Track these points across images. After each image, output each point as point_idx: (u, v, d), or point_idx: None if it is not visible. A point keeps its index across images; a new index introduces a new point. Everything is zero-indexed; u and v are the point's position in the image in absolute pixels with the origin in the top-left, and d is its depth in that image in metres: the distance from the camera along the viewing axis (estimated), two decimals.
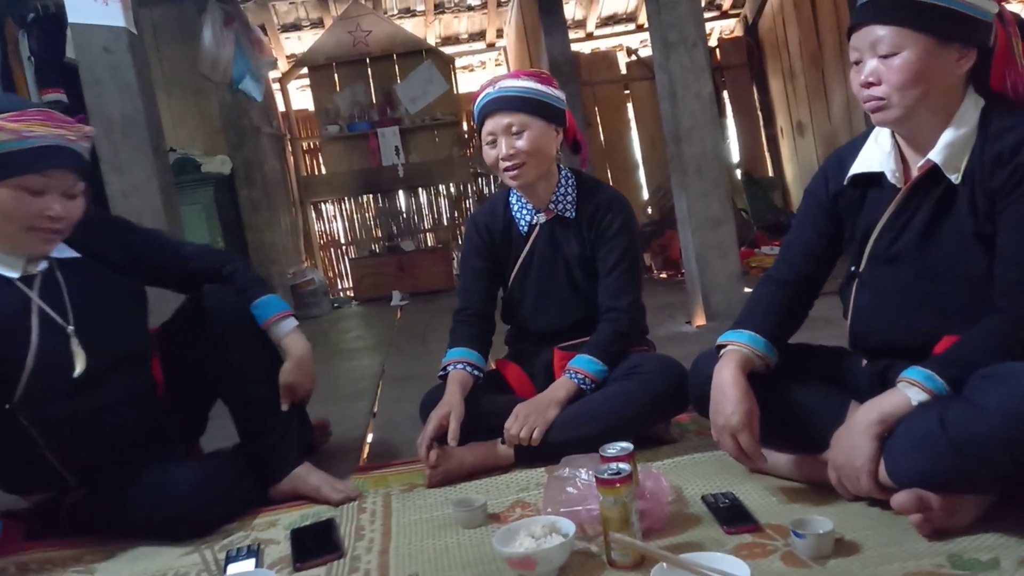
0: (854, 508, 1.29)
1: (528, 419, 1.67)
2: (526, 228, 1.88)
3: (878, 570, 1.09)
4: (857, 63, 1.28)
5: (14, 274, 1.51)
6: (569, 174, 1.87)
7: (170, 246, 1.79)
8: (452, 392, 1.72)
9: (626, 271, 1.80)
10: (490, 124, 1.77)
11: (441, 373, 1.81)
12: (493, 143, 1.77)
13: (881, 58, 1.24)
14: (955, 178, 1.25)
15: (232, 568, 1.34)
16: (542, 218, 1.87)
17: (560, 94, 1.83)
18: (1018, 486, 1.15)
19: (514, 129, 1.74)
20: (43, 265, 1.55)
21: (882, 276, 1.36)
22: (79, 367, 1.50)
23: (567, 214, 1.84)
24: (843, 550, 1.16)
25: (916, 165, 1.30)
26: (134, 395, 1.61)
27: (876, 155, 1.36)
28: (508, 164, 1.76)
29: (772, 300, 1.48)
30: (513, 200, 1.90)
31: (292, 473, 1.67)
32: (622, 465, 1.23)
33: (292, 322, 1.75)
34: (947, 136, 1.25)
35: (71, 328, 1.53)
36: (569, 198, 1.85)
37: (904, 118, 1.26)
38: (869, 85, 1.26)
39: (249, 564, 1.36)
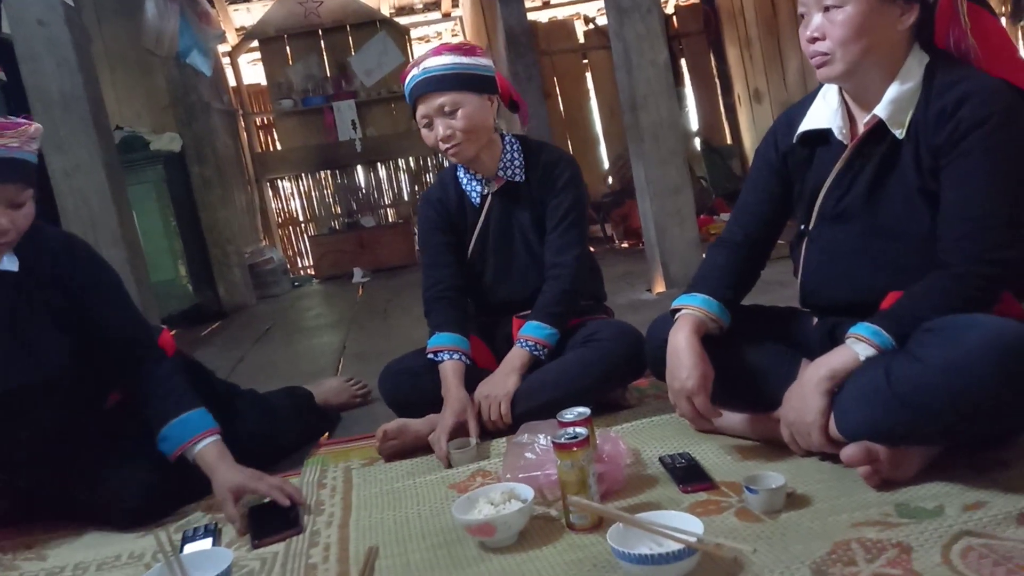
0: (805, 463, 1.32)
1: (488, 400, 1.67)
2: (478, 199, 1.86)
3: (828, 521, 1.12)
4: (803, 16, 1.29)
5: None
6: (513, 139, 1.86)
7: (113, 308, 1.58)
8: (457, 388, 1.69)
9: (572, 225, 1.80)
10: (423, 107, 1.73)
11: (431, 358, 1.77)
12: (429, 125, 1.74)
13: (825, 12, 1.24)
14: (899, 133, 1.27)
15: (189, 548, 1.32)
16: (493, 187, 1.85)
17: (487, 61, 1.79)
18: (961, 437, 1.18)
19: (447, 108, 1.71)
20: None
21: (830, 234, 1.38)
22: None
23: (516, 178, 1.83)
24: (794, 504, 1.18)
25: (862, 121, 1.32)
26: (64, 415, 1.52)
27: (824, 112, 1.37)
28: (447, 145, 1.73)
29: (725, 263, 1.50)
30: (461, 174, 1.88)
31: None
32: (579, 429, 1.23)
33: (207, 441, 1.49)
34: (892, 91, 1.27)
35: None
36: (517, 163, 1.83)
37: (848, 73, 1.27)
38: (814, 40, 1.27)
39: (206, 543, 1.35)
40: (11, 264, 1.48)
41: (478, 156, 1.80)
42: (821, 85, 1.39)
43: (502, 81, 1.83)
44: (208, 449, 1.48)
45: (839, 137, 1.35)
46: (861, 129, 1.32)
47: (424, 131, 1.77)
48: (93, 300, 1.56)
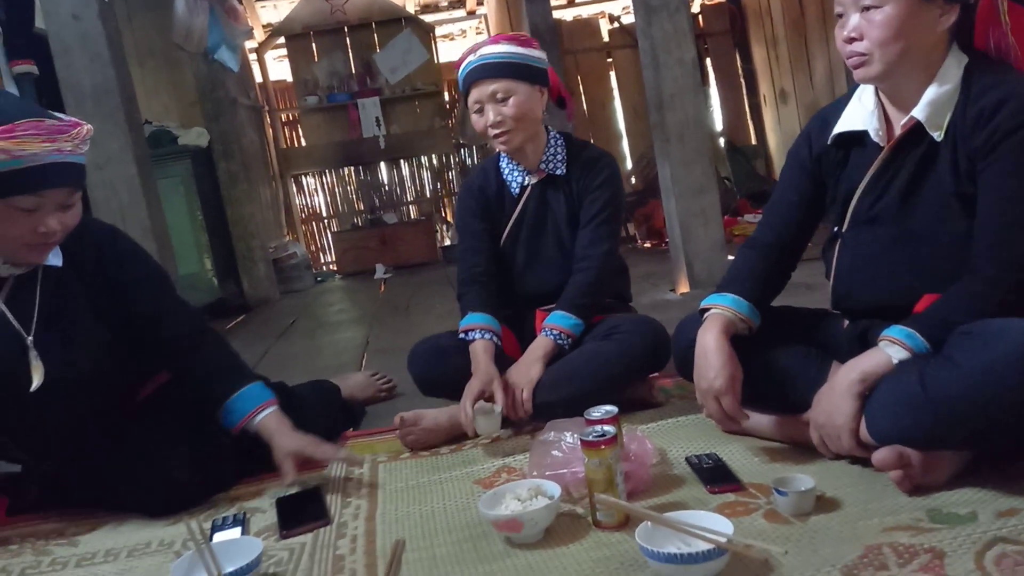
0: (835, 466, 1.30)
1: (511, 388, 1.68)
2: (518, 190, 1.88)
3: (858, 525, 1.11)
4: (840, 16, 1.27)
5: None
6: (558, 136, 1.88)
7: (158, 294, 1.63)
8: (486, 363, 1.69)
9: (604, 222, 1.81)
10: (475, 93, 1.77)
11: (462, 337, 1.79)
12: (480, 111, 1.77)
13: (863, 12, 1.23)
14: (937, 136, 1.25)
15: (218, 536, 1.34)
16: (533, 179, 1.87)
17: (541, 54, 1.82)
18: (995, 442, 1.16)
19: (499, 96, 1.74)
20: (17, 270, 1.47)
21: (864, 236, 1.36)
22: (36, 381, 1.43)
23: (558, 171, 1.85)
24: (824, 507, 1.17)
25: (899, 123, 1.30)
26: (100, 409, 1.55)
27: (859, 114, 1.36)
28: (497, 131, 1.76)
29: (755, 264, 1.48)
30: (504, 164, 1.91)
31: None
32: (607, 427, 1.23)
33: (267, 411, 1.58)
34: (930, 93, 1.25)
35: (30, 339, 1.45)
36: (559, 157, 1.86)
37: (886, 74, 1.25)
38: (851, 40, 1.25)
39: (235, 532, 1.36)
40: (56, 259, 1.50)
41: (523, 147, 1.82)
42: (855, 86, 1.38)
43: (553, 76, 1.85)
44: (269, 418, 1.56)
45: (875, 139, 1.33)
46: (898, 131, 1.30)
47: (475, 116, 1.79)
48: (142, 294, 1.59)
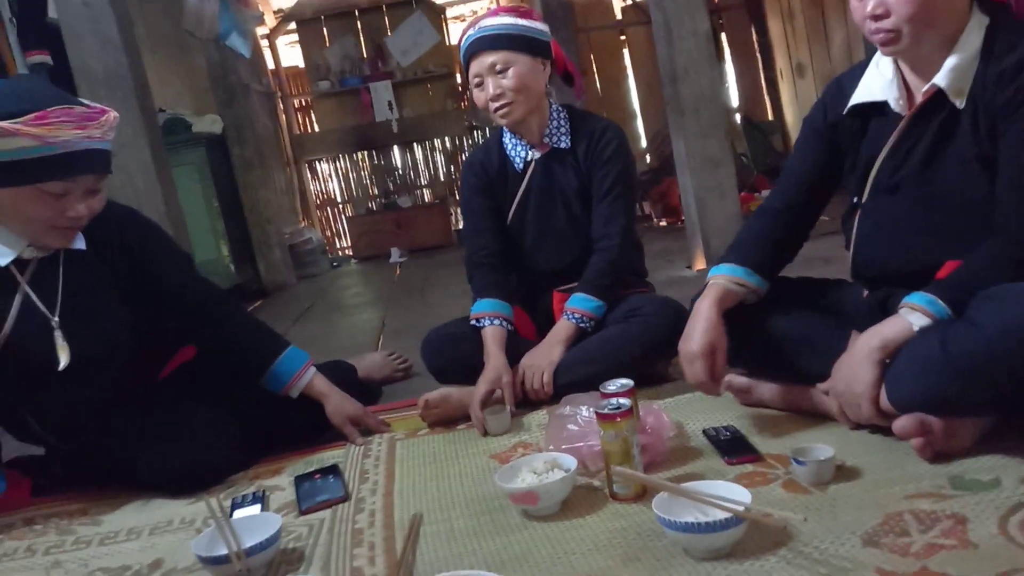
0: (854, 436, 1.29)
1: (531, 370, 1.67)
2: (521, 165, 1.86)
3: (878, 493, 1.09)
4: None
5: (8, 257, 1.46)
6: (560, 108, 1.85)
7: (182, 270, 1.68)
8: (496, 355, 1.69)
9: (618, 196, 1.79)
10: (475, 66, 1.74)
11: (474, 324, 1.78)
12: (480, 84, 1.75)
13: None
14: (959, 103, 1.22)
15: (238, 513, 1.35)
16: (536, 154, 1.84)
17: (543, 26, 1.79)
18: (1017, 407, 1.14)
19: (498, 67, 1.72)
20: (41, 253, 1.50)
21: (884, 205, 1.34)
22: (63, 361, 1.46)
23: (562, 144, 1.82)
24: (844, 476, 1.16)
25: (920, 91, 1.26)
26: (122, 389, 1.58)
27: (878, 83, 1.32)
28: (497, 104, 1.73)
29: (761, 230, 1.48)
30: (507, 139, 1.88)
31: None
32: (622, 400, 1.22)
33: (313, 370, 1.70)
34: (952, 59, 1.21)
35: (56, 320, 1.48)
36: (563, 130, 1.82)
37: (915, 48, 1.22)
38: (877, 17, 1.21)
39: (255, 509, 1.38)
40: (79, 243, 1.53)
41: (525, 120, 1.79)
42: (872, 52, 1.34)
43: (557, 50, 1.82)
44: (317, 378, 1.67)
45: (895, 108, 1.30)
46: (919, 99, 1.26)
47: (475, 90, 1.77)
48: (167, 269, 1.63)
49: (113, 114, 1.44)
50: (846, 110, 1.36)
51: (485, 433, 1.60)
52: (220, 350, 1.69)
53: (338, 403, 1.66)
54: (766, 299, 1.49)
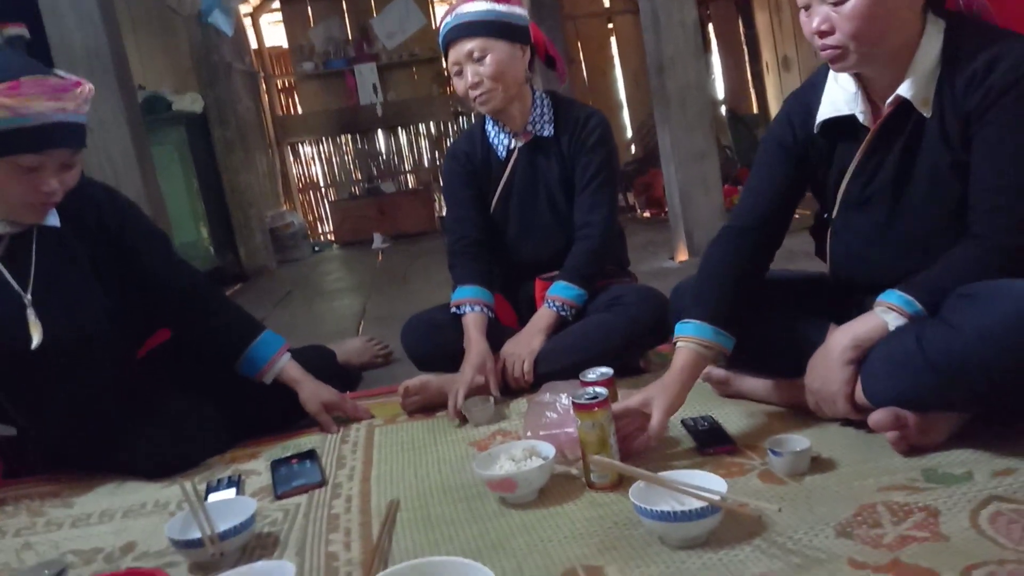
0: (830, 429, 1.30)
1: (512, 358, 1.67)
2: (504, 153, 1.84)
3: (853, 485, 1.10)
4: (807, 8, 1.19)
5: None
6: (544, 95, 1.83)
7: (160, 251, 1.66)
8: (478, 341, 1.68)
9: (602, 184, 1.78)
10: (453, 53, 1.72)
11: (455, 311, 1.78)
12: (459, 72, 1.73)
13: (833, 5, 1.14)
14: (926, 111, 1.20)
15: (213, 497, 1.34)
16: (520, 142, 1.83)
17: (522, 11, 1.76)
18: (993, 405, 1.15)
19: (476, 55, 1.69)
20: (14, 229, 1.46)
21: (857, 221, 1.32)
22: (36, 339, 1.43)
23: (545, 132, 1.80)
24: (819, 467, 1.17)
25: (884, 102, 1.24)
26: (98, 371, 1.55)
27: (842, 96, 1.29)
28: (476, 92, 1.72)
29: (730, 265, 1.37)
30: (489, 127, 1.86)
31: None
32: (599, 389, 1.22)
33: (287, 356, 1.68)
34: (914, 68, 1.19)
35: (28, 298, 1.45)
36: (546, 117, 1.81)
37: (864, 63, 1.19)
38: (823, 34, 1.17)
39: (230, 493, 1.36)
40: (54, 220, 1.50)
41: (507, 108, 1.77)
42: (824, 68, 1.33)
43: (537, 34, 1.80)
44: (291, 364, 1.66)
45: (862, 122, 1.27)
46: (885, 110, 1.24)
47: (455, 80, 1.75)
48: (145, 250, 1.61)
49: (88, 86, 1.40)
50: (816, 127, 1.32)
51: (462, 422, 1.59)
52: (196, 333, 1.67)
53: (312, 390, 1.65)
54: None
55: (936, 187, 1.22)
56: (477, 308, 1.74)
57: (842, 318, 1.35)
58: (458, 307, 1.76)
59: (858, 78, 1.27)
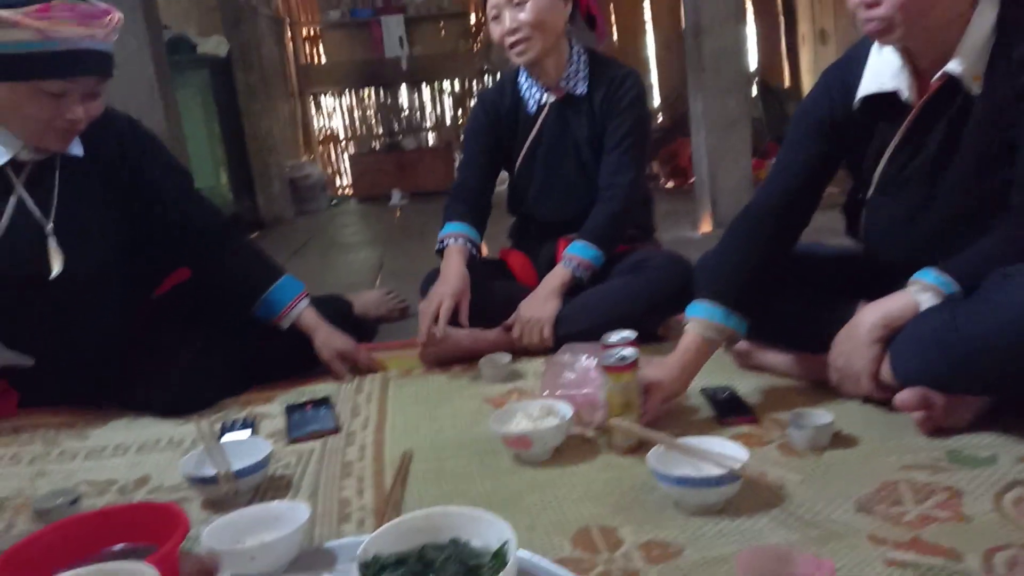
0: (852, 405, 1.28)
1: (529, 324, 1.65)
2: (535, 108, 1.80)
3: (875, 462, 1.09)
4: None
5: (2, 157, 1.41)
6: (582, 51, 1.78)
7: (181, 186, 1.65)
8: (457, 265, 1.68)
9: (631, 147, 1.74)
10: None
11: (439, 247, 1.78)
12: (497, 17, 1.69)
13: None
14: (975, 88, 1.15)
15: (227, 437, 1.34)
16: (552, 98, 1.79)
17: None
18: (1020, 387, 1.12)
19: (516, 0, 1.64)
20: (38, 156, 1.45)
21: (895, 201, 1.28)
22: (56, 269, 1.43)
23: (578, 91, 1.76)
24: (840, 443, 1.15)
25: (931, 78, 1.18)
26: (116, 301, 1.56)
27: (885, 71, 1.23)
28: (512, 39, 1.67)
29: (750, 245, 1.34)
30: (522, 79, 1.82)
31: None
32: (627, 351, 1.20)
33: (305, 303, 1.67)
34: (965, 44, 1.14)
35: (50, 227, 1.45)
36: (581, 75, 1.76)
37: (910, 37, 1.14)
38: (869, 6, 1.12)
39: (244, 434, 1.37)
40: (77, 149, 1.49)
41: (542, 61, 1.73)
42: (850, 52, 1.27)
43: None
44: (309, 311, 1.65)
45: (906, 98, 1.22)
46: (931, 86, 1.19)
47: (492, 24, 1.71)
48: (167, 184, 1.60)
49: (118, 15, 1.38)
50: (857, 103, 1.27)
51: (434, 342, 1.63)
52: (214, 272, 1.66)
53: (326, 337, 1.64)
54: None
55: (981, 169, 1.18)
56: (460, 241, 1.75)
57: (873, 296, 1.32)
58: (442, 242, 1.76)
59: (903, 52, 1.22)
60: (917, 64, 1.21)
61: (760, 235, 1.35)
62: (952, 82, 1.16)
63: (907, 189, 1.26)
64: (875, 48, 1.26)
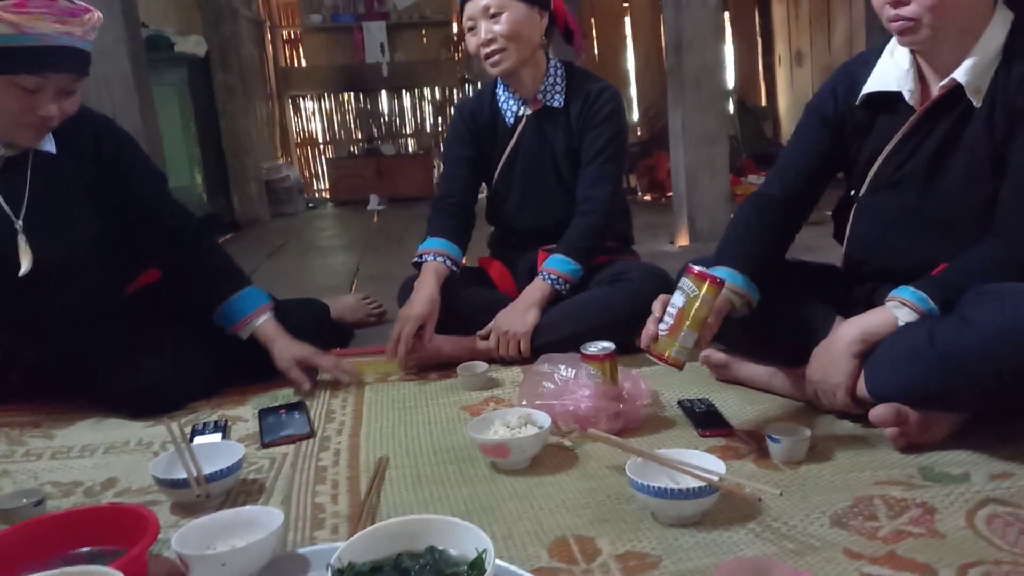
0: (827, 420, 1.29)
1: (507, 336, 1.65)
2: (512, 120, 1.80)
3: (849, 477, 1.10)
4: None
5: None
6: (559, 64, 1.79)
7: (155, 186, 1.62)
8: (428, 287, 1.67)
9: (608, 160, 1.75)
10: (469, 8, 1.69)
11: (416, 260, 1.77)
12: (473, 29, 1.69)
13: None
14: (976, 101, 1.19)
15: (199, 440, 1.31)
16: (528, 110, 1.79)
17: None
18: (998, 403, 1.15)
19: (492, 11, 1.65)
20: (9, 152, 1.43)
21: (884, 201, 1.31)
22: (24, 266, 1.41)
23: (555, 103, 1.77)
24: (816, 457, 1.16)
25: (936, 85, 1.23)
26: (87, 301, 1.53)
27: (893, 73, 1.28)
28: (487, 50, 1.67)
29: (756, 227, 1.39)
30: (500, 91, 1.82)
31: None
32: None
33: (268, 315, 1.61)
34: (973, 56, 1.18)
35: (20, 223, 1.42)
36: (558, 87, 1.77)
37: (934, 39, 1.18)
38: (897, 4, 1.16)
39: (216, 438, 1.34)
40: (49, 146, 1.47)
41: (518, 73, 1.73)
42: (884, 40, 1.31)
43: (559, 2, 1.76)
44: (267, 324, 1.59)
45: (909, 101, 1.26)
46: (935, 92, 1.23)
47: (468, 36, 1.71)
48: (140, 182, 1.57)
49: (97, 14, 1.37)
50: (859, 99, 1.31)
51: (406, 369, 1.64)
52: (181, 276, 1.63)
53: (283, 346, 1.57)
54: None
55: (971, 178, 1.21)
56: (439, 258, 1.74)
57: (849, 309, 1.34)
58: (420, 256, 1.75)
59: (914, 56, 1.25)
60: (926, 69, 1.25)
61: (766, 219, 1.40)
62: (956, 91, 1.20)
63: (898, 191, 1.29)
64: (887, 50, 1.30)
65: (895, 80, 1.27)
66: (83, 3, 1.36)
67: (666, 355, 1.17)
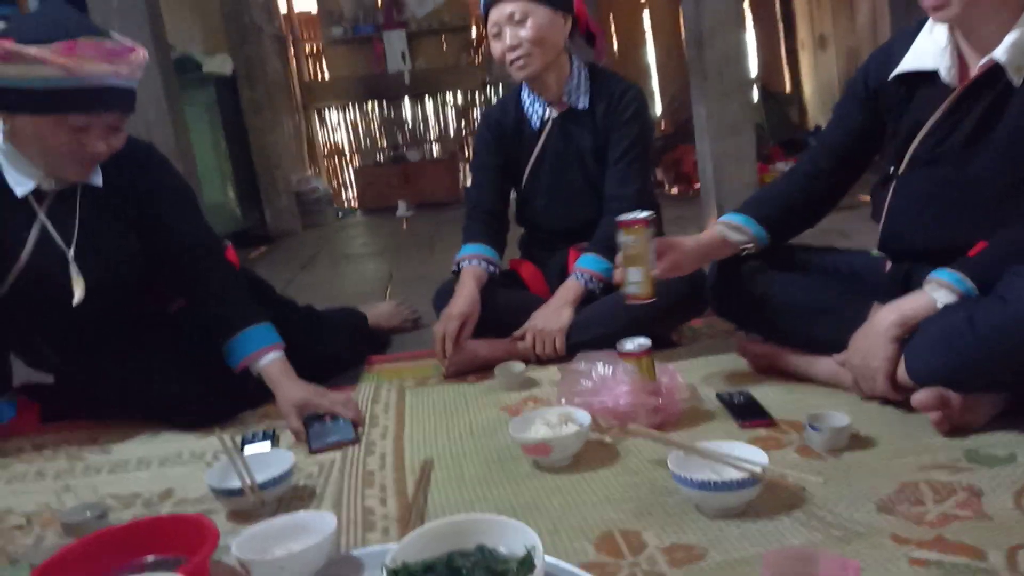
0: (868, 406, 1.29)
1: (542, 335, 1.67)
2: (538, 123, 1.82)
3: (893, 463, 1.10)
4: None
5: (26, 187, 1.44)
6: (582, 66, 1.81)
7: (183, 204, 1.62)
8: (468, 288, 1.71)
9: (635, 159, 1.76)
10: (494, 14, 1.71)
11: (455, 269, 1.79)
12: (498, 35, 1.71)
13: None
14: (1016, 80, 1.18)
15: (249, 449, 1.35)
16: (554, 112, 1.81)
17: None
18: None
19: (517, 17, 1.67)
20: (59, 186, 1.47)
21: (921, 179, 1.30)
22: (78, 294, 1.45)
23: (580, 105, 1.78)
24: (858, 444, 1.16)
25: (975, 64, 1.21)
26: (135, 318, 1.58)
27: (930, 50, 1.27)
28: (513, 55, 1.70)
29: (781, 190, 1.50)
30: (525, 95, 1.84)
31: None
32: (642, 213, 1.36)
33: (272, 356, 1.52)
34: (1014, 34, 1.16)
35: (71, 253, 1.47)
36: (582, 89, 1.79)
37: (966, 15, 1.17)
38: None
39: (265, 446, 1.38)
40: (97, 179, 1.51)
41: (543, 76, 1.75)
42: (923, 18, 1.30)
43: (580, 6, 1.77)
44: (273, 364, 1.51)
45: (946, 79, 1.25)
46: (973, 71, 1.21)
47: (493, 42, 1.73)
48: (165, 206, 1.60)
49: (143, 52, 1.39)
50: (892, 76, 1.31)
51: (449, 372, 1.67)
52: (194, 303, 1.61)
53: (285, 393, 1.47)
54: (784, 266, 1.48)
55: (1009, 157, 1.20)
56: (475, 262, 1.77)
57: (882, 294, 1.33)
58: (457, 264, 1.79)
59: (952, 34, 1.25)
60: (964, 47, 1.24)
61: (795, 190, 1.48)
62: (996, 69, 1.19)
63: (936, 168, 1.28)
64: (926, 28, 1.29)
65: (932, 58, 1.26)
66: (128, 41, 1.39)
67: (628, 295, 1.38)
